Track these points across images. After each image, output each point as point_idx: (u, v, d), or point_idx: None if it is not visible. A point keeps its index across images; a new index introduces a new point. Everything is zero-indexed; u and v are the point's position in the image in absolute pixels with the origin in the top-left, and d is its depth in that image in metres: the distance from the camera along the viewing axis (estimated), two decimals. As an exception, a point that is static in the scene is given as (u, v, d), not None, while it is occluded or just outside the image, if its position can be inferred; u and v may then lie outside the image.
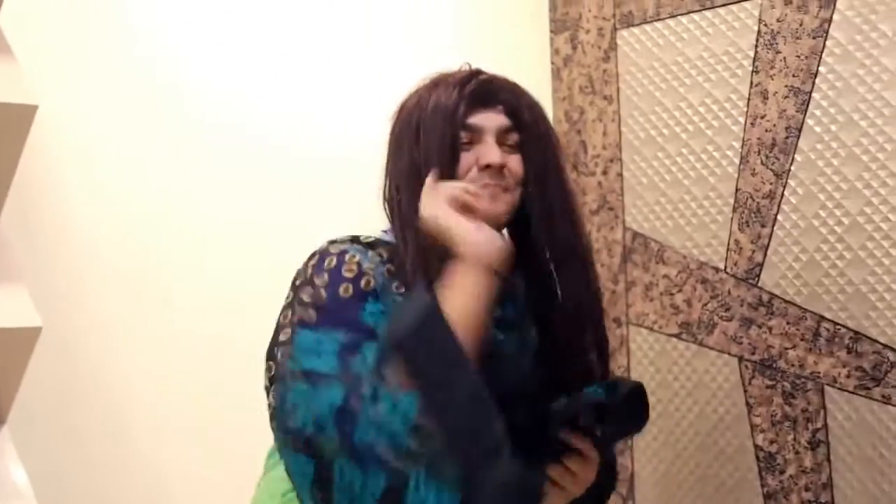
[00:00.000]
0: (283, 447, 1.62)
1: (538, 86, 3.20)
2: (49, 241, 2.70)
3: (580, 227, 1.86)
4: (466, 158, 1.76)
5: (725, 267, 2.54)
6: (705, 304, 2.58)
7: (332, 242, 1.82)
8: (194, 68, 2.94)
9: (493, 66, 3.41)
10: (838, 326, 2.35)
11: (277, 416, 1.64)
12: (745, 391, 2.51)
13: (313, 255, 1.81)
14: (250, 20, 2.99)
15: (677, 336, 2.64)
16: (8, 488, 2.37)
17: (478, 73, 1.87)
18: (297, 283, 1.81)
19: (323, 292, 1.73)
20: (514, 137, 1.80)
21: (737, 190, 2.52)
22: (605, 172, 2.78)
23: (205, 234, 3.08)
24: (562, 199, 1.84)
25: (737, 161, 2.52)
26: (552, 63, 2.92)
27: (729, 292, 2.53)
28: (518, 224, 1.80)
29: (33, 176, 2.64)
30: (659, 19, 2.68)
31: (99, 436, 2.77)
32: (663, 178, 2.66)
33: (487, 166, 1.74)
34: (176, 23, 2.88)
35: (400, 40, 3.41)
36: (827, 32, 2.36)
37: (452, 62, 3.32)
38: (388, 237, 1.82)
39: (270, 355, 1.82)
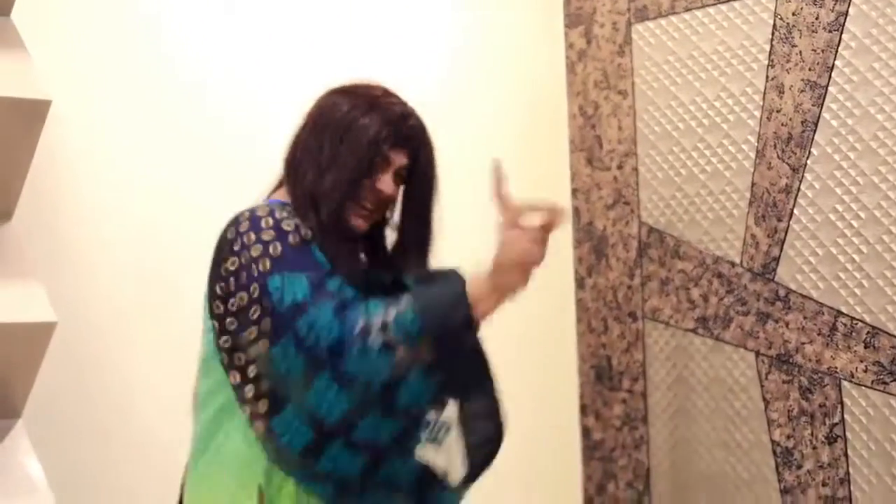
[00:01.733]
0: (311, 370, 1.88)
1: (552, 80, 3.20)
2: (64, 236, 2.70)
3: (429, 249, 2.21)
4: (369, 180, 2.11)
5: (742, 261, 2.53)
6: (721, 299, 2.57)
7: (250, 209, 2.08)
8: (208, 63, 2.94)
9: (507, 61, 3.41)
10: (855, 321, 2.34)
11: (304, 351, 1.91)
12: (762, 386, 2.50)
13: (239, 221, 2.04)
14: (264, 16, 3.00)
15: (693, 331, 2.63)
16: (23, 481, 2.38)
17: (408, 117, 2.16)
18: (235, 248, 2.05)
19: (277, 246, 2.01)
20: (404, 173, 2.14)
21: (753, 184, 2.51)
22: (620, 167, 2.77)
23: (219, 228, 3.09)
24: (426, 229, 2.20)
25: (753, 155, 2.51)
26: (567, 57, 2.91)
27: (745, 287, 2.52)
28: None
29: (47, 172, 2.65)
30: (674, 13, 2.67)
31: (113, 429, 2.78)
32: (679, 173, 2.66)
33: (381, 194, 2.10)
34: (189, 17, 2.88)
35: (413, 37, 3.40)
36: (843, 26, 2.35)
37: (467, 57, 3.32)
38: (281, 202, 2.14)
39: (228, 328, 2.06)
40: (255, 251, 2.01)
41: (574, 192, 2.89)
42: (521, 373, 2.99)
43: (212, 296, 2.08)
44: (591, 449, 2.85)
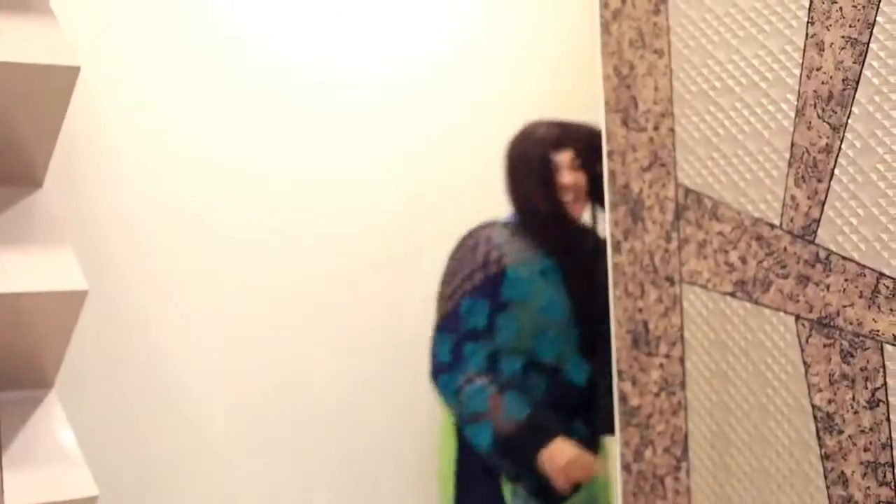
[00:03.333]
0: None
1: (587, 41, 3.16)
2: (95, 203, 2.70)
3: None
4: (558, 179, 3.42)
5: (781, 223, 2.49)
6: (760, 262, 2.53)
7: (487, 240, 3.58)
8: (238, 21, 2.92)
9: (541, 21, 3.36)
10: (898, 283, 2.30)
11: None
12: (802, 350, 2.47)
13: (477, 244, 3.57)
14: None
15: (732, 294, 2.60)
16: (56, 451, 2.38)
17: (556, 127, 3.44)
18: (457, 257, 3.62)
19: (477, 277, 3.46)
20: (578, 162, 3.41)
21: (792, 144, 2.47)
22: (656, 128, 2.73)
23: (252, 192, 3.07)
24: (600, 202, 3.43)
25: (792, 115, 2.47)
26: (601, 17, 2.87)
27: (785, 249, 2.48)
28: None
29: (77, 139, 2.64)
30: (711, -30, 2.62)
31: (146, 398, 2.78)
32: (716, 133, 2.62)
33: (567, 184, 3.39)
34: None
35: (447, 1, 3.38)
36: (885, -20, 2.30)
37: (501, 18, 3.27)
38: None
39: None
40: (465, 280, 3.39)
41: (609, 154, 2.85)
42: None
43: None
44: (627, 415, 2.83)
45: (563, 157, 3.36)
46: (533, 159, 3.32)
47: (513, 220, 3.49)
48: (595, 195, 3.38)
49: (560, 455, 3.26)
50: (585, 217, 3.47)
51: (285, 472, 3.15)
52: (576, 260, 3.41)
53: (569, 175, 3.37)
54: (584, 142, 3.35)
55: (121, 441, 2.79)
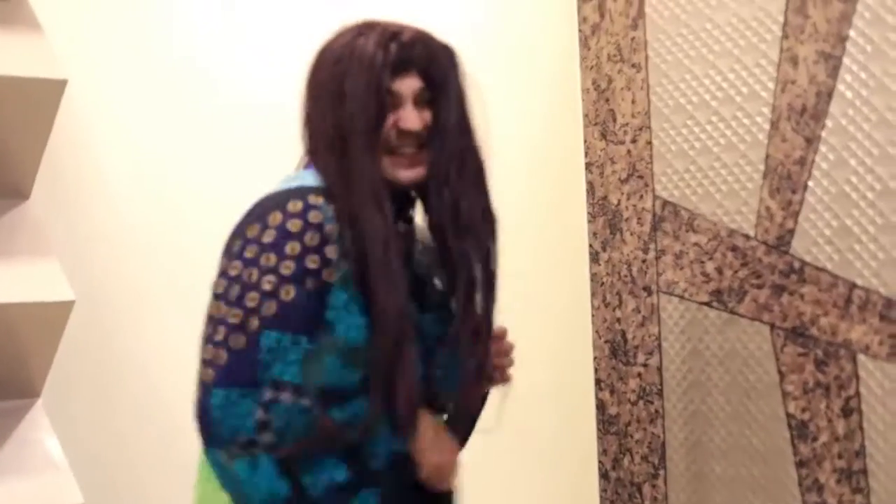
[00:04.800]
0: None
1: (566, 54, 3.19)
2: (81, 214, 2.71)
3: (479, 158, 1.95)
4: (388, 119, 1.85)
5: (756, 234, 2.53)
6: (736, 272, 2.57)
7: (283, 209, 1.84)
8: (223, 40, 2.94)
9: (521, 35, 3.40)
10: (871, 293, 2.34)
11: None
12: (777, 359, 2.51)
13: (266, 224, 1.85)
14: (277, -8, 3.00)
15: (708, 304, 2.63)
16: (43, 460, 2.39)
17: (396, 35, 1.90)
18: (247, 256, 1.87)
19: (290, 291, 1.80)
20: (427, 95, 1.87)
21: (767, 157, 2.51)
22: (634, 141, 2.77)
23: (238, 202, 3.09)
24: (461, 149, 1.91)
25: (767, 127, 2.51)
26: (580, 31, 2.90)
27: (760, 260, 2.52)
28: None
29: (64, 151, 2.65)
30: (687, -14, 2.66)
31: (132, 408, 2.79)
32: (693, 146, 2.65)
33: (408, 131, 1.83)
34: (203, -4, 2.89)
35: (428, 11, 3.40)
36: (857, -4, 2.34)
37: (482, 32, 3.31)
38: (313, 179, 1.89)
39: None
40: (265, 284, 1.79)
41: (588, 166, 2.88)
42: (536, 348, 3.00)
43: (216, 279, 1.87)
44: (606, 423, 2.86)
45: (406, 86, 1.87)
46: (361, 86, 1.84)
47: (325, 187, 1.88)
48: (441, 146, 1.90)
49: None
50: (411, 175, 1.88)
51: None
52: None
53: (413, 115, 1.85)
54: (439, 67, 1.93)
55: (107, 450, 2.81)
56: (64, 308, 2.37)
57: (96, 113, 2.68)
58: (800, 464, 2.48)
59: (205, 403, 1.84)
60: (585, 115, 2.90)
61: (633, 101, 2.77)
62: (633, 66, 2.77)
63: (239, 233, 1.87)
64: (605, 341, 2.85)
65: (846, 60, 2.37)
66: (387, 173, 1.85)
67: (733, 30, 2.57)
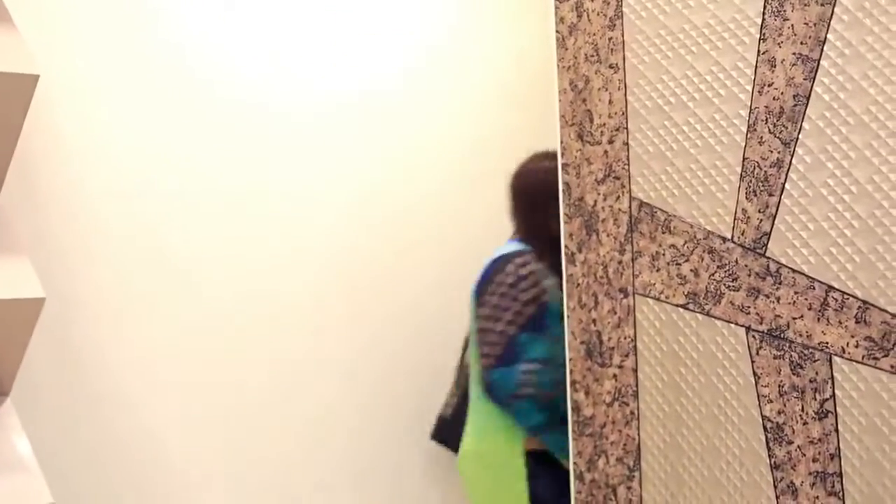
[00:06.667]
0: None
1: (543, 55, 3.18)
2: (52, 212, 2.69)
3: None
4: None
5: (733, 236, 2.52)
6: (712, 274, 2.56)
7: (518, 266, 3.61)
8: (201, 37, 2.92)
9: (497, 34, 3.39)
10: (847, 296, 2.33)
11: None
12: (753, 361, 2.50)
13: (512, 274, 3.58)
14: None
15: (684, 306, 2.62)
16: (12, 460, 2.37)
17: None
18: (500, 290, 3.58)
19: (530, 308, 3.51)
20: None
21: (744, 159, 2.50)
22: (610, 141, 2.76)
23: (209, 203, 3.07)
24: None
25: (744, 129, 2.50)
26: (557, 31, 2.89)
27: (736, 262, 2.52)
28: None
29: (36, 146, 2.63)
30: (665, -14, 2.65)
31: (102, 407, 2.77)
32: (670, 147, 2.65)
33: None
34: (178, -8, 2.87)
35: (403, 11, 3.38)
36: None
37: (457, 30, 3.28)
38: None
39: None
40: (515, 306, 3.46)
41: (564, 166, 2.87)
42: (511, 348, 2.98)
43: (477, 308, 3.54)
44: (581, 425, 2.85)
45: None
46: (543, 191, 3.35)
47: (530, 248, 3.61)
48: None
49: None
50: None
51: (243, 476, 3.15)
52: None
53: None
54: None
55: (77, 450, 2.78)
56: (34, 305, 2.35)
57: (68, 110, 2.66)
58: (775, 466, 2.48)
59: (488, 379, 3.45)
60: (562, 116, 2.89)
61: (611, 102, 2.76)
62: (611, 66, 2.76)
63: (488, 279, 3.55)
64: (581, 342, 2.84)
65: (824, 63, 2.37)
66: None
67: (711, 31, 2.56)
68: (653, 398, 2.71)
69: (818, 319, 2.38)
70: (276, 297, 3.40)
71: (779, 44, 2.44)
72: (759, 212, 2.47)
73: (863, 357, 2.32)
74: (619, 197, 2.75)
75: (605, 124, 2.78)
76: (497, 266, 3.55)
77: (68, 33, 2.71)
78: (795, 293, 2.42)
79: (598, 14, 2.79)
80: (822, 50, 2.36)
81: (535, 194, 3.58)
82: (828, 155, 2.36)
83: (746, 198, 2.50)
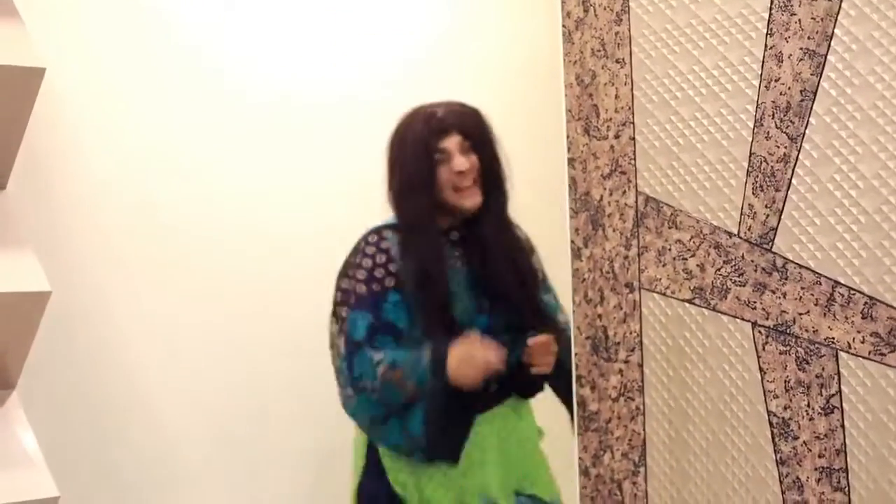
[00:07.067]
0: None
1: (549, 49, 3.18)
2: (58, 205, 2.69)
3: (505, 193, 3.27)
4: (445, 169, 3.13)
5: (739, 231, 2.52)
6: (718, 269, 2.56)
7: (369, 241, 3.18)
8: (206, 29, 2.92)
9: (504, 30, 3.38)
10: (853, 291, 2.33)
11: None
12: (759, 357, 2.50)
13: (363, 252, 3.16)
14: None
15: (690, 301, 2.62)
16: (18, 453, 2.37)
17: (434, 113, 3.12)
18: (349, 273, 3.17)
19: (362, 287, 3.09)
20: (467, 145, 3.15)
21: (751, 153, 2.50)
22: (617, 136, 2.76)
23: (216, 196, 3.07)
24: (499, 171, 3.24)
25: (751, 124, 2.50)
26: (563, 26, 2.89)
27: (742, 257, 2.51)
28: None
29: (42, 140, 2.63)
30: (672, -19, 2.65)
31: (108, 399, 2.77)
32: (676, 142, 2.64)
33: (461, 172, 3.11)
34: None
35: (410, 5, 3.38)
36: (843, -6, 2.33)
37: (463, 26, 3.28)
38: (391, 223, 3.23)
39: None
40: (357, 288, 3.06)
41: (570, 161, 2.87)
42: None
43: (336, 292, 3.13)
44: (586, 420, 2.85)
45: (451, 142, 3.14)
46: (417, 153, 3.07)
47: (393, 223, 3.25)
48: (487, 181, 3.21)
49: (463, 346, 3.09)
50: (473, 202, 3.19)
51: (247, 466, 3.15)
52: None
53: (461, 159, 3.14)
54: (469, 124, 3.17)
55: (82, 442, 2.78)
56: (40, 299, 2.35)
57: (74, 103, 2.66)
58: (780, 462, 2.48)
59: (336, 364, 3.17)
60: (568, 110, 2.88)
61: (617, 97, 2.76)
62: (617, 61, 2.76)
63: (346, 257, 3.17)
64: (587, 337, 2.84)
65: (831, 58, 2.36)
66: (458, 205, 3.15)
67: (718, 26, 2.55)
68: (658, 393, 2.71)
69: (824, 315, 2.38)
70: (285, 288, 3.41)
71: (786, 39, 2.43)
72: (766, 207, 2.47)
73: (869, 353, 2.31)
74: (625, 192, 2.74)
75: (611, 119, 2.77)
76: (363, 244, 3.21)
77: (75, 26, 2.71)
78: (802, 288, 2.42)
79: (604, 8, 2.79)
80: (829, 45, 2.36)
81: (399, 156, 3.20)
82: (835, 150, 2.35)
83: (753, 193, 2.49)
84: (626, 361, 2.77)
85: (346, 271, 3.13)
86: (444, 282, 3.10)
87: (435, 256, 3.09)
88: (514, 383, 3.26)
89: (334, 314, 3.13)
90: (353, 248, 3.17)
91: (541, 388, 3.36)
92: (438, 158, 3.10)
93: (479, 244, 3.19)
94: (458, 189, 3.13)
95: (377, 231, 3.14)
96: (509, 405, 3.32)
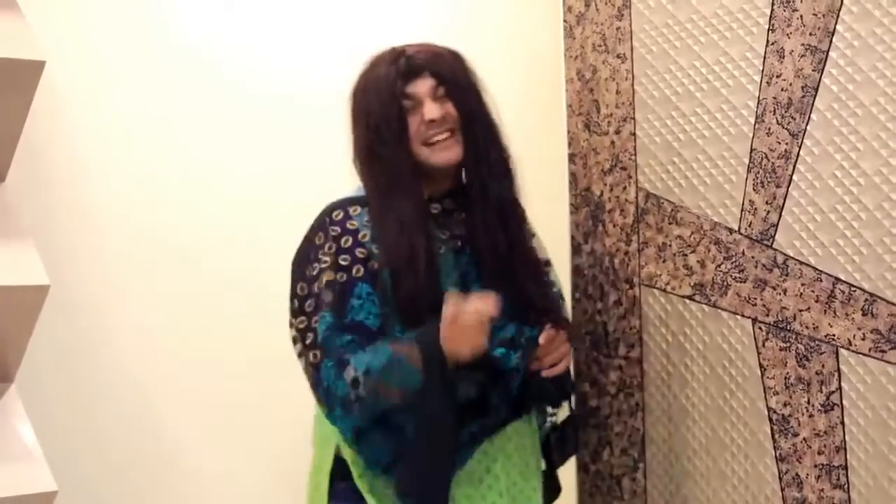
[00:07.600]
0: None
1: (550, 44, 3.18)
2: (57, 198, 2.69)
3: (503, 146, 2.48)
4: (415, 119, 2.38)
5: (740, 228, 2.52)
6: (719, 266, 2.56)
7: (332, 219, 2.40)
8: (205, 22, 2.92)
9: (505, 25, 3.38)
10: (853, 288, 2.33)
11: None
12: (759, 353, 2.50)
13: (325, 229, 2.39)
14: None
15: (690, 297, 2.62)
16: (16, 447, 2.37)
17: (403, 51, 2.41)
18: (312, 255, 2.40)
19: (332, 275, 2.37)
20: (442, 91, 2.38)
21: (752, 150, 2.49)
22: (618, 132, 2.75)
23: (215, 191, 3.08)
24: (487, 125, 2.45)
25: (752, 120, 2.49)
26: (565, 21, 2.88)
27: (743, 253, 2.51)
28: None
29: (41, 133, 2.63)
30: (674, -24, 2.64)
31: (106, 393, 2.77)
32: (677, 138, 2.64)
33: (432, 121, 2.36)
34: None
35: (407, 6, 3.38)
36: (844, -10, 2.33)
37: (464, 21, 3.28)
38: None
39: None
40: (319, 281, 2.37)
41: (571, 156, 2.87)
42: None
43: (293, 285, 2.44)
44: (586, 416, 2.85)
45: (421, 86, 2.38)
46: (382, 101, 2.37)
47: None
48: (469, 136, 2.42)
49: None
50: (446, 157, 2.40)
51: (245, 460, 3.15)
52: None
53: (432, 106, 2.37)
54: (445, 66, 2.42)
55: (81, 436, 2.79)
56: (39, 292, 2.35)
57: (73, 96, 2.66)
58: (780, 458, 2.48)
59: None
60: (569, 106, 2.88)
61: (618, 92, 2.75)
62: (618, 56, 2.75)
63: (304, 237, 2.43)
64: (586, 333, 2.84)
65: (833, 54, 2.36)
66: (428, 162, 2.39)
67: (719, 21, 2.55)
68: (658, 389, 2.71)
69: (825, 311, 2.38)
70: (284, 284, 3.40)
71: (787, 34, 2.43)
72: (767, 203, 2.47)
73: (869, 349, 2.31)
74: (625, 187, 2.74)
75: (612, 114, 2.77)
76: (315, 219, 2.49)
77: (75, 19, 2.71)
78: (802, 285, 2.41)
79: (605, 4, 2.78)
80: (830, 41, 2.36)
81: (361, 107, 2.45)
82: (836, 146, 2.35)
83: (754, 189, 2.49)
84: (625, 358, 2.76)
85: (304, 258, 2.43)
86: (433, 258, 2.38)
87: (418, 225, 2.36)
88: (530, 391, 2.48)
89: (293, 313, 2.45)
90: (312, 226, 2.45)
91: (566, 395, 2.58)
92: (406, 106, 2.37)
93: (470, 220, 2.46)
94: (429, 143, 2.38)
95: (341, 206, 2.42)
96: (524, 422, 2.53)
